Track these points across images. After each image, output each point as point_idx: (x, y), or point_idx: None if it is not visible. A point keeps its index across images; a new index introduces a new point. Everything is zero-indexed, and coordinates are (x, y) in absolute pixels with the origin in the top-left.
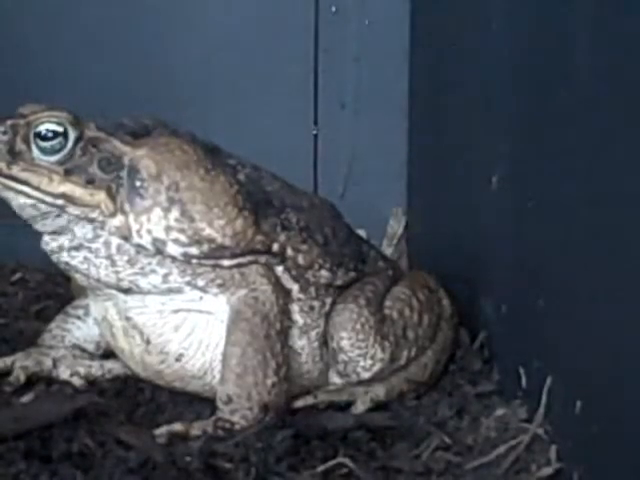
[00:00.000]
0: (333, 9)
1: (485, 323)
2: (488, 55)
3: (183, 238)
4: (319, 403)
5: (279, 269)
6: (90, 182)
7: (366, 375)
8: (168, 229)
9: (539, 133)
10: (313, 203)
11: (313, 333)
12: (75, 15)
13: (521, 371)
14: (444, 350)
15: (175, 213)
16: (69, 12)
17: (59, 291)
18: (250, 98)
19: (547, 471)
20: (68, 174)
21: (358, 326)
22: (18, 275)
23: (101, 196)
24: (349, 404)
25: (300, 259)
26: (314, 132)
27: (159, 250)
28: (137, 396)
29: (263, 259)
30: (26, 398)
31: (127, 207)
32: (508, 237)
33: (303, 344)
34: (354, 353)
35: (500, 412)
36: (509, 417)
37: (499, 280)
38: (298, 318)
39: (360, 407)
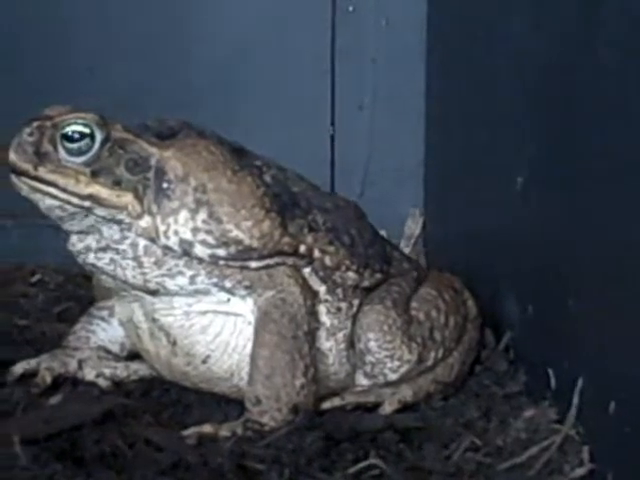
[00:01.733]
0: (350, 9)
1: (510, 324)
2: (508, 55)
3: (210, 240)
4: (346, 405)
5: (306, 270)
6: (117, 183)
7: (393, 377)
8: (195, 230)
9: (568, 134)
10: (338, 204)
11: (340, 335)
12: (95, 17)
13: (550, 372)
14: (470, 351)
15: (202, 215)
16: (90, 14)
17: (79, 292)
18: (267, 99)
19: (580, 472)
20: (95, 175)
21: (386, 327)
22: (37, 276)
23: (128, 197)
24: (376, 405)
25: (327, 260)
26: (331, 133)
27: (186, 252)
28: (163, 397)
29: (290, 261)
30: (54, 399)
31: (154, 208)
32: (536, 238)
33: (330, 346)
34: (382, 354)
35: (529, 413)
36: (538, 418)
37: (525, 281)
38: (325, 320)
39: (387, 408)
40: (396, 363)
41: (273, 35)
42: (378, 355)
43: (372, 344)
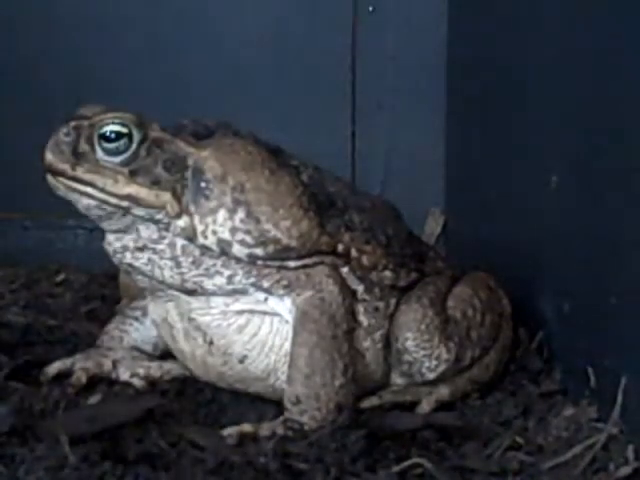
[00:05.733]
0: (370, 9)
1: (542, 322)
2: (536, 53)
3: (249, 239)
4: (384, 404)
5: (344, 270)
6: (155, 183)
7: (431, 376)
8: (234, 230)
9: (603, 131)
10: (374, 204)
11: (377, 334)
12: (102, 18)
13: (589, 371)
14: (505, 350)
15: (241, 214)
16: (97, 15)
17: (105, 292)
18: (287, 97)
19: (626, 470)
20: (133, 175)
21: (423, 327)
22: (62, 276)
23: (166, 197)
24: (412, 404)
25: (364, 260)
26: (351, 131)
27: (224, 251)
28: (198, 397)
29: (328, 260)
30: (94, 399)
31: (192, 208)
32: (571, 236)
33: (368, 345)
34: (419, 354)
35: (568, 412)
36: (578, 417)
37: (560, 280)
38: (363, 319)
39: (425, 407)
40: (434, 362)
41: (294, 34)
42: (416, 354)
43: (410, 343)
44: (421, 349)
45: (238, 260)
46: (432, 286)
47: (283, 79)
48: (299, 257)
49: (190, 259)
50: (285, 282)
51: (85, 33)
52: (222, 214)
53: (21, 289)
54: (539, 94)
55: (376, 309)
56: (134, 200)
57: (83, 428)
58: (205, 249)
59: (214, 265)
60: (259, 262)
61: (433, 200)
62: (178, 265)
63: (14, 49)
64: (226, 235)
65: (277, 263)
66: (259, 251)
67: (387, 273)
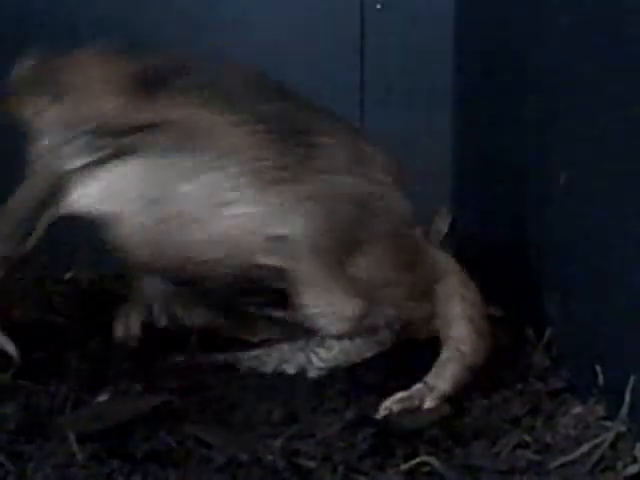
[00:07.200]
0: (378, 6)
1: (551, 320)
2: (548, 49)
3: None
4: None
5: None
6: None
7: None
8: None
9: (613, 128)
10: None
11: None
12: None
13: (597, 369)
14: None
15: None
16: (115, 21)
17: (114, 290)
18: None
19: (633, 469)
20: None
21: None
22: (70, 273)
23: None
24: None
25: None
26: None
27: None
28: (206, 394)
29: None
30: (102, 397)
31: None
32: (581, 234)
33: None
34: None
35: (576, 410)
36: (586, 415)
37: (568, 277)
38: None
39: (431, 405)
40: None
41: (301, 32)
42: None
43: None
44: None
45: None
46: None
47: (290, 77)
48: None
49: None
50: None
51: (85, 33)
52: None
53: (28, 287)
54: (548, 90)
55: None
56: None
57: (91, 426)
58: None
59: None
60: None
61: (441, 198)
62: None
63: (15, 49)
64: None
65: None
66: None
67: None
